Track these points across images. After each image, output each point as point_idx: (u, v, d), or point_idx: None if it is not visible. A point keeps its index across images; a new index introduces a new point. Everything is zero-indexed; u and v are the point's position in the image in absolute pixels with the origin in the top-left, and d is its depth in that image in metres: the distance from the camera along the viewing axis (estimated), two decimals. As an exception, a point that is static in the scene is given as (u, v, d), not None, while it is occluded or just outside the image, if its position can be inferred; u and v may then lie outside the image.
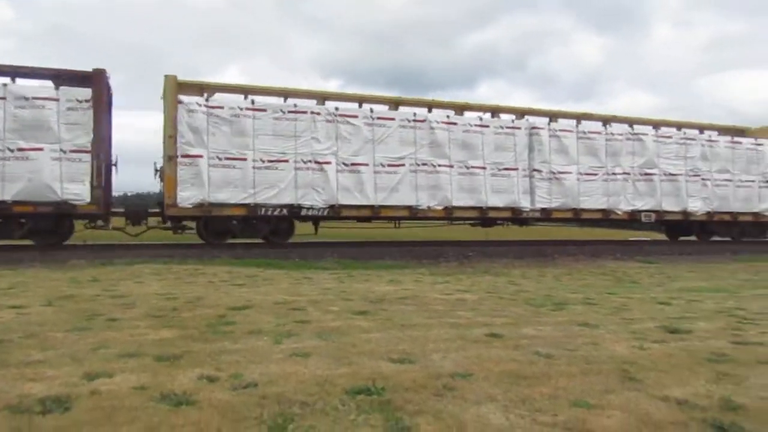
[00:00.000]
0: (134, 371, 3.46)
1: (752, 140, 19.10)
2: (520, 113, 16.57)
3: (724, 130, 19.32)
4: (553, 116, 16.95)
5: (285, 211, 13.88)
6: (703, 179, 18.04)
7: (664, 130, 18.03)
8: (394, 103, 15.36)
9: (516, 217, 16.02)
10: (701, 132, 18.76)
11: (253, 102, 13.72)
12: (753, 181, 18.83)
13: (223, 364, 3.63)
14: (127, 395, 3.02)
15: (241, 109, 13.55)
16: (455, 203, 15.10)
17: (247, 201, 13.53)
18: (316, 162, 13.98)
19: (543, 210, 16.09)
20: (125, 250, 12.63)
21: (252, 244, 15.07)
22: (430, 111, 15.43)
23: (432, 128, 14.96)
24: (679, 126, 18.65)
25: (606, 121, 17.49)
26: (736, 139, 18.93)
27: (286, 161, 13.76)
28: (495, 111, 16.34)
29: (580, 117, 17.27)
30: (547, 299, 7.10)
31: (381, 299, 6.79)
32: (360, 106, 14.86)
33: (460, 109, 16.01)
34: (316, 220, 14.87)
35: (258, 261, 11.82)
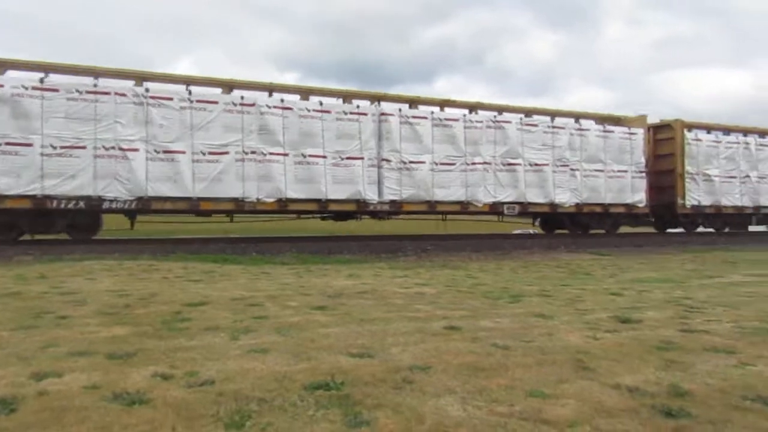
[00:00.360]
0: (85, 370, 3.36)
1: (625, 129, 18.31)
2: (375, 98, 15.44)
3: (600, 119, 18.59)
4: (412, 102, 15.83)
5: (83, 203, 12.24)
6: (571, 169, 17.14)
7: (528, 118, 17.02)
8: (227, 87, 13.99)
9: (362, 209, 14.87)
10: (576, 121, 17.91)
11: (42, 81, 12.03)
12: (626, 171, 18.00)
13: (178, 362, 3.56)
14: (77, 395, 2.92)
15: (26, 88, 11.83)
16: (290, 195, 13.76)
17: (33, 192, 11.81)
18: (121, 149, 12.42)
19: (392, 202, 14.87)
20: (74, 246, 12.22)
21: (209, 239, 14.84)
22: (270, 95, 14.16)
23: (262, 113, 13.57)
24: (553, 114, 17.72)
25: (471, 108, 16.47)
26: (609, 127, 18.11)
27: (83, 148, 12.12)
28: (345, 96, 15.16)
29: (442, 104, 16.23)
30: (504, 292, 7.21)
31: (340, 294, 6.77)
32: (187, 88, 13.42)
33: (306, 93, 14.70)
34: (126, 214, 13.45)
35: (215, 256, 11.64)
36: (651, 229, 21.41)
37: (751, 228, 28.00)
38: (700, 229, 21.57)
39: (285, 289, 7.22)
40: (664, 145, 19.66)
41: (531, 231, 21.14)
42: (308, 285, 7.67)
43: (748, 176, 20.14)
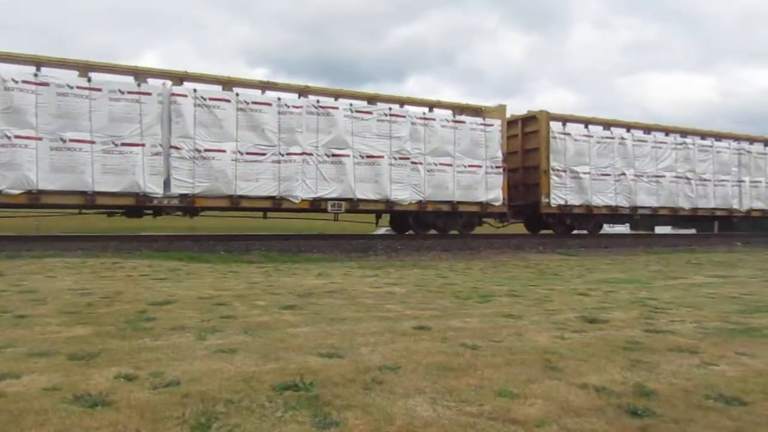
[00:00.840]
0: (45, 371, 3.25)
1: (479, 120, 16.49)
2: (176, 78, 13.33)
3: (458, 109, 16.83)
4: (226, 84, 13.77)
5: None
6: (413, 163, 15.27)
7: (361, 104, 15.02)
8: None
9: (143, 204, 12.79)
10: (431, 110, 16.21)
11: None
12: (479, 166, 16.15)
13: (142, 362, 3.48)
14: (36, 397, 2.83)
15: None
16: (43, 186, 11.69)
17: None
18: None
19: (183, 197, 12.93)
20: (34, 242, 11.91)
21: (174, 236, 14.60)
22: (38, 70, 12.00)
23: (8, 89, 11.49)
24: (401, 102, 15.76)
25: (300, 92, 14.49)
26: (460, 117, 16.24)
27: None
28: (137, 74, 12.95)
29: (263, 87, 14.23)
30: (473, 292, 7.25)
31: (309, 293, 6.72)
32: None
33: (83, 69, 12.53)
34: None
35: (181, 254, 11.46)
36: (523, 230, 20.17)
37: (658, 229, 28.12)
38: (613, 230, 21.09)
39: (253, 288, 7.14)
40: (532, 139, 18.18)
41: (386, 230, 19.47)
42: (277, 284, 7.60)
43: (623, 174, 18.62)
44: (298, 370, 3.34)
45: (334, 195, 14.37)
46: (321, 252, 13.16)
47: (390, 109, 15.23)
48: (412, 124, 15.33)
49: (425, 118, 15.66)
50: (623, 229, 27.20)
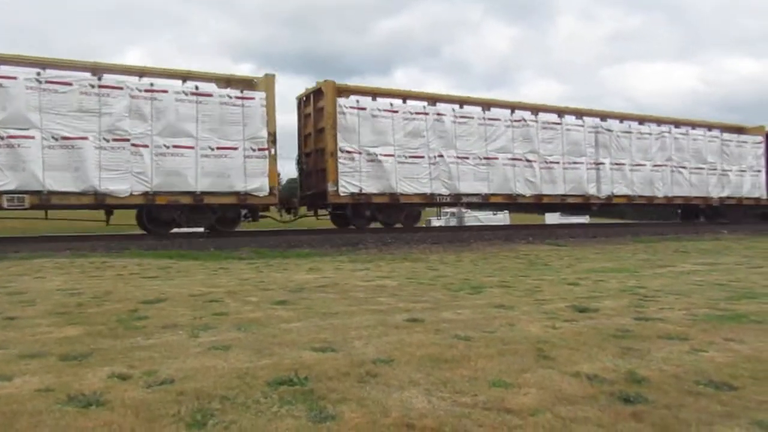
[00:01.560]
0: (37, 373, 3.23)
1: (235, 92, 13.62)
2: None
3: (224, 82, 14.06)
4: None
5: None
6: (134, 145, 12.45)
7: (55, 73, 12.01)
8: None
9: None
10: (184, 82, 13.37)
11: None
12: (234, 148, 13.35)
13: (135, 361, 3.47)
14: (29, 399, 2.81)
15: None
16: None
17: None
18: None
19: None
20: (21, 243, 11.80)
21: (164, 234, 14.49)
22: None
23: None
24: (141, 73, 13.04)
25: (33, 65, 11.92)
26: (204, 90, 13.36)
27: None
28: None
29: None
30: (464, 283, 7.28)
31: (301, 288, 6.72)
32: None
33: None
34: None
35: (171, 252, 11.39)
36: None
37: (549, 220, 26.03)
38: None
39: (244, 284, 7.12)
40: (322, 117, 15.25)
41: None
42: (268, 280, 7.59)
43: (441, 156, 15.91)
44: (292, 365, 3.34)
45: (10, 187, 11.51)
46: (311, 247, 13.13)
47: (99, 79, 12.32)
48: (133, 97, 12.50)
49: (152, 90, 12.74)
50: (502, 217, 25.47)
